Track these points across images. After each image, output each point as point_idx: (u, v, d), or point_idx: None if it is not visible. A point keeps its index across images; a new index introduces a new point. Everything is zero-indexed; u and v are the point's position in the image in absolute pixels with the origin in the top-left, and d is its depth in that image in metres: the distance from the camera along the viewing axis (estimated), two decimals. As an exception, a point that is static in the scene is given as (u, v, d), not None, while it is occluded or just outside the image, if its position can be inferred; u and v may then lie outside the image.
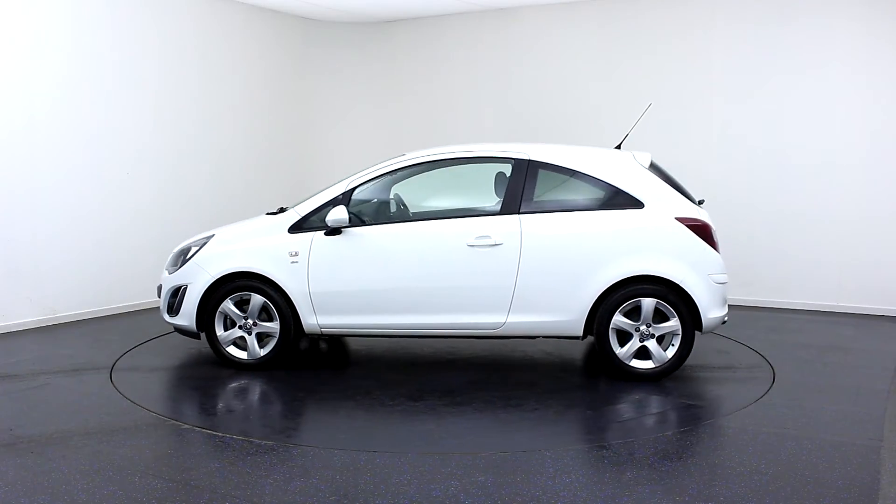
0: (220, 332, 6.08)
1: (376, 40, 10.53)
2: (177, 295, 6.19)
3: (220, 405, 5.36)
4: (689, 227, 5.66)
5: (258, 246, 6.05)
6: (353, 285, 5.88)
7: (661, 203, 5.73)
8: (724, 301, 5.83)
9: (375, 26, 10.52)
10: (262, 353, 6.04)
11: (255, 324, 6.05)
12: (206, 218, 9.02)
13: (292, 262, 5.93)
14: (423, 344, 6.84)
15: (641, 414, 5.06)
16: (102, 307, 7.99)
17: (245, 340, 6.08)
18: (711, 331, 5.90)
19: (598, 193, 5.83)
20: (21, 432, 4.64)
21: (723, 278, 5.74)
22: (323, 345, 6.97)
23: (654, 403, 5.27)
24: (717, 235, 5.85)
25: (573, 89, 9.35)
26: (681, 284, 5.60)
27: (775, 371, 5.95)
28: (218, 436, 4.59)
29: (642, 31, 8.95)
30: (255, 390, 5.71)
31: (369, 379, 5.84)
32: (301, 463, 4.20)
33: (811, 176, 8.22)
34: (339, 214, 5.81)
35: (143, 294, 8.38)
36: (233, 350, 6.11)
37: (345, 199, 5.96)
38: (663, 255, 5.64)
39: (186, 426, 4.75)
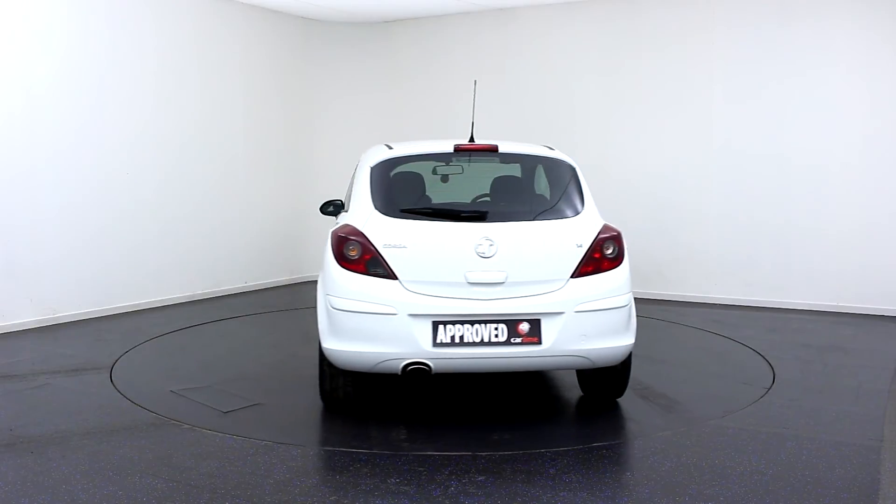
0: None
1: (376, 40, 10.53)
2: None
3: (220, 405, 5.36)
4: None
5: None
6: None
7: (352, 210, 5.01)
8: (340, 333, 4.58)
9: (376, 26, 10.52)
10: None
11: None
12: (206, 217, 9.03)
13: None
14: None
15: (641, 414, 5.06)
16: (102, 307, 7.99)
17: None
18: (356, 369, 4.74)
19: None
20: (21, 432, 4.64)
21: (341, 303, 4.56)
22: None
23: (654, 403, 5.26)
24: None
25: (573, 89, 9.35)
26: None
27: (775, 371, 5.94)
28: (218, 436, 4.59)
29: (642, 32, 8.95)
30: (256, 389, 5.71)
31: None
32: (301, 463, 4.20)
33: (811, 176, 8.22)
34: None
35: (143, 294, 8.38)
36: None
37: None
38: None
39: (186, 426, 4.75)
